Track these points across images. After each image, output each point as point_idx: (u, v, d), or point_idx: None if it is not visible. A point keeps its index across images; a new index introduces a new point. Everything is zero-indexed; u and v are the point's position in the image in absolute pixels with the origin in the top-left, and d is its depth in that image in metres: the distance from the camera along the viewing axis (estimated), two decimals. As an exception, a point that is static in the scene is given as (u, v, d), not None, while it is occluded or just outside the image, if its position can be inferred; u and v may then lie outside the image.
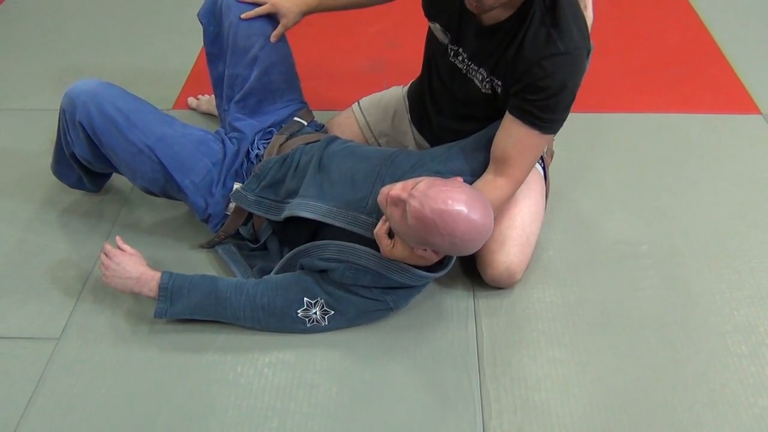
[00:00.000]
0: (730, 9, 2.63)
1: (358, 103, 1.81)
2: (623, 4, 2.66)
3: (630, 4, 2.67)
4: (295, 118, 1.67)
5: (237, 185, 1.55)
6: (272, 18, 1.61)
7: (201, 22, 1.67)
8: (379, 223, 1.34)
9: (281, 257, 1.50)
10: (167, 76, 2.26)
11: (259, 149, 1.60)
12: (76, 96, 1.45)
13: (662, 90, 2.20)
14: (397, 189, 1.26)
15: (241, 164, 1.58)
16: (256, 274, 1.52)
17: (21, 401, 1.33)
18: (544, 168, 1.63)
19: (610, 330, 1.46)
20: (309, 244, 1.44)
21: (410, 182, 1.27)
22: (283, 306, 1.40)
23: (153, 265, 1.47)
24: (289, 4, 1.58)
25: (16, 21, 2.60)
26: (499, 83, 1.39)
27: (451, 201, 1.20)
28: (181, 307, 1.42)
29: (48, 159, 1.73)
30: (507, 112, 1.37)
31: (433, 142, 1.65)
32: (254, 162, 1.58)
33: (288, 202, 1.49)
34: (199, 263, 1.61)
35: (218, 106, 1.75)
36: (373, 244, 1.36)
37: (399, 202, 1.25)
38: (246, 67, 1.61)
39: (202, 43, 1.71)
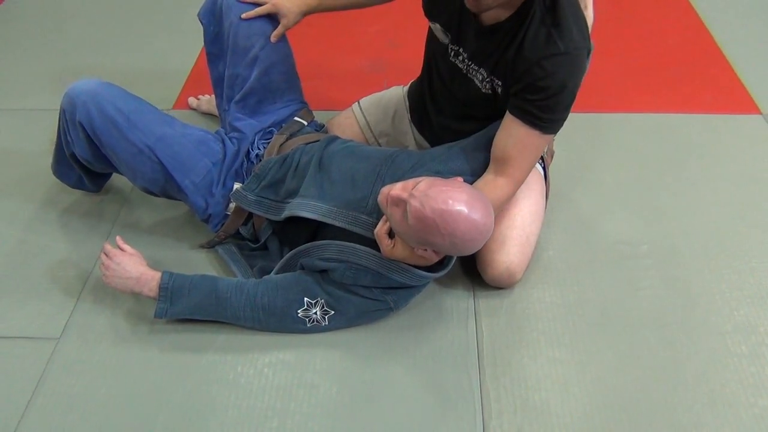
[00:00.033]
0: (730, 9, 2.63)
1: (358, 103, 1.81)
2: (623, 4, 2.66)
3: (630, 4, 2.67)
4: (296, 118, 1.67)
5: (237, 185, 1.55)
6: (272, 18, 1.61)
7: (201, 22, 1.67)
8: (380, 223, 1.34)
9: (281, 257, 1.50)
10: (167, 76, 2.26)
11: (259, 149, 1.60)
12: (76, 96, 1.45)
13: (662, 90, 2.20)
14: (397, 189, 1.26)
15: (241, 164, 1.58)
16: (257, 274, 1.52)
17: (21, 401, 1.33)
18: (544, 168, 1.63)
19: (610, 330, 1.46)
20: (309, 244, 1.44)
21: (411, 182, 1.27)
22: (283, 306, 1.40)
23: (153, 265, 1.47)
24: (290, 4, 1.58)
25: (16, 21, 2.60)
26: (500, 83, 1.39)
27: (451, 201, 1.20)
28: (181, 307, 1.42)
29: (48, 159, 1.73)
30: (507, 112, 1.37)
31: (434, 142, 1.65)
32: (254, 162, 1.58)
33: (288, 202, 1.49)
34: (199, 263, 1.61)
35: (218, 106, 1.75)
36: (373, 244, 1.36)
37: (399, 202, 1.25)
38: (246, 67, 1.61)
39: (202, 43, 1.71)
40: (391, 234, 1.34)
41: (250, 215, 1.55)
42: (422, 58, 1.64)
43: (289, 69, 1.68)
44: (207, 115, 2.09)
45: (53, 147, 1.67)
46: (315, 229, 1.46)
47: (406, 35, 2.43)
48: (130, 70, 2.29)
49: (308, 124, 1.68)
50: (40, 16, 2.63)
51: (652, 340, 1.44)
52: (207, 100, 2.09)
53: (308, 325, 1.42)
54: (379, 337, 1.45)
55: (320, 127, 1.73)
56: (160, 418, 1.30)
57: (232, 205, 1.55)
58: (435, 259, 1.35)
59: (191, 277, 1.44)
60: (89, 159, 1.54)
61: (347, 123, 1.79)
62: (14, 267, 1.61)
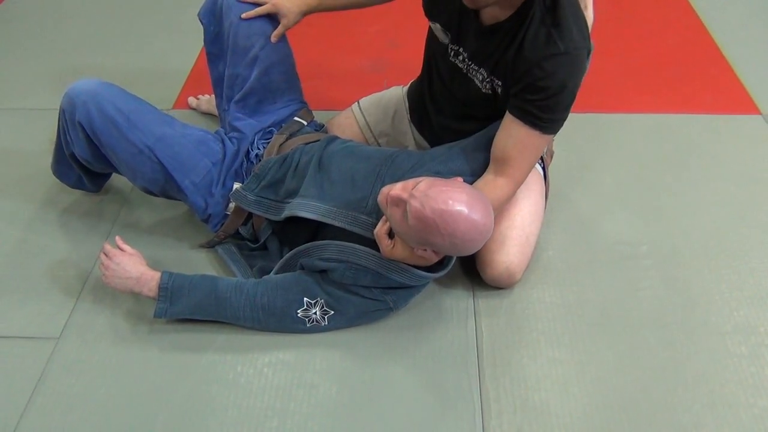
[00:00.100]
0: (730, 9, 2.63)
1: (358, 103, 1.81)
2: (623, 4, 2.66)
3: (630, 4, 2.67)
4: (295, 118, 1.67)
5: (237, 185, 1.55)
6: (272, 18, 1.61)
7: (201, 22, 1.67)
8: (380, 224, 1.34)
9: (281, 257, 1.50)
10: (167, 76, 2.26)
11: (258, 149, 1.60)
12: (76, 96, 1.45)
13: (662, 90, 2.20)
14: (397, 189, 1.26)
15: (241, 164, 1.58)
16: (256, 274, 1.52)
17: (21, 401, 1.33)
18: (544, 168, 1.63)
19: (610, 330, 1.46)
20: (309, 244, 1.44)
21: (410, 182, 1.27)
22: (283, 306, 1.40)
23: (153, 265, 1.47)
24: (290, 4, 1.58)
25: (16, 21, 2.60)
26: (500, 83, 1.39)
27: (451, 201, 1.20)
28: (181, 307, 1.42)
29: (48, 159, 1.73)
30: (507, 112, 1.37)
31: (433, 142, 1.65)
32: (254, 162, 1.58)
33: (288, 202, 1.49)
34: (199, 263, 1.61)
35: (218, 105, 1.75)
36: (373, 244, 1.36)
37: (399, 203, 1.25)
38: (246, 67, 1.61)
39: (202, 43, 1.71)
40: (390, 234, 1.34)
41: (250, 215, 1.55)
42: (422, 58, 1.64)
43: (289, 69, 1.68)
44: (207, 114, 2.09)
45: (53, 147, 1.67)
46: (315, 229, 1.46)
47: (406, 35, 2.43)
48: (130, 70, 2.29)
49: (308, 124, 1.68)
50: (40, 16, 2.63)
51: (651, 341, 1.44)
52: (207, 100, 2.09)
53: (308, 325, 1.42)
54: (379, 337, 1.45)
55: (320, 127, 1.73)
56: (160, 417, 1.30)
57: (232, 205, 1.55)
58: (435, 259, 1.35)
59: (191, 277, 1.44)
60: (89, 159, 1.54)
61: (347, 123, 1.79)
62: (14, 267, 1.61)
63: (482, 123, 1.49)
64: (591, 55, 1.36)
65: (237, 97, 1.63)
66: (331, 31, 2.46)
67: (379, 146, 1.78)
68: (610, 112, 2.11)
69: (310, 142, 1.59)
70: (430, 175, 1.35)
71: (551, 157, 1.74)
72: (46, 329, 1.47)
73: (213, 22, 1.65)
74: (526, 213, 1.52)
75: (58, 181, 1.74)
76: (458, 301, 1.52)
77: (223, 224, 1.57)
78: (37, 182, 1.83)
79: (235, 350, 1.42)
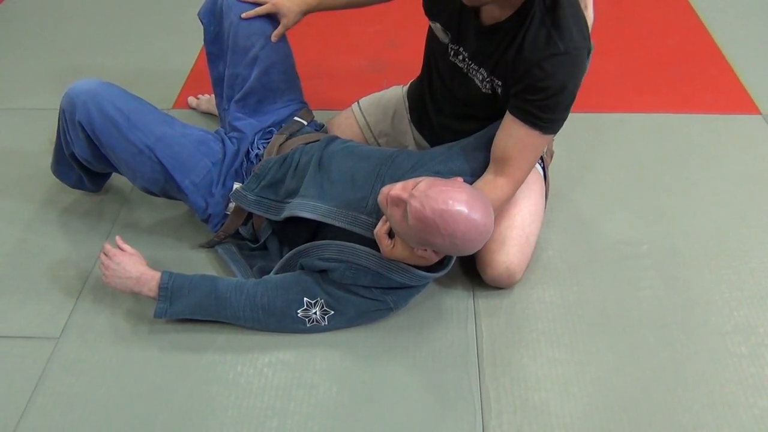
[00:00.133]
0: (730, 9, 2.63)
1: (358, 103, 1.81)
2: (623, 4, 2.66)
3: (630, 4, 2.67)
4: (295, 118, 1.67)
5: (237, 185, 1.55)
6: (273, 17, 1.61)
7: (201, 22, 1.67)
8: (380, 223, 1.34)
9: (281, 257, 1.50)
10: (167, 76, 2.26)
11: (259, 149, 1.60)
12: (76, 96, 1.45)
13: (662, 90, 2.20)
14: (397, 189, 1.26)
15: (241, 164, 1.58)
16: (256, 274, 1.52)
17: (21, 401, 1.33)
18: (544, 168, 1.63)
19: (610, 330, 1.46)
20: (309, 244, 1.44)
21: (411, 182, 1.27)
22: (283, 306, 1.40)
23: (153, 265, 1.47)
24: (290, 3, 1.58)
25: (16, 21, 2.60)
26: (500, 83, 1.39)
27: (451, 201, 1.20)
28: (181, 307, 1.42)
29: (48, 159, 1.73)
30: (507, 112, 1.37)
31: (433, 141, 1.65)
32: (254, 162, 1.58)
33: (288, 202, 1.49)
34: (199, 263, 1.61)
35: (218, 105, 1.75)
36: (373, 244, 1.36)
37: (399, 203, 1.25)
38: (246, 67, 1.61)
39: (202, 43, 1.71)
40: (390, 234, 1.34)
41: (250, 215, 1.55)
42: (422, 58, 1.64)
43: (289, 69, 1.68)
44: (207, 114, 2.09)
45: (53, 147, 1.67)
46: (315, 229, 1.46)
47: (405, 35, 2.43)
48: (130, 70, 2.29)
49: (308, 123, 1.68)
50: (40, 16, 2.63)
51: (651, 341, 1.44)
52: (207, 100, 2.09)
53: (308, 325, 1.42)
54: (379, 337, 1.45)
55: (320, 127, 1.73)
56: (160, 417, 1.30)
57: (232, 205, 1.55)
58: (435, 259, 1.35)
59: (191, 277, 1.44)
60: (89, 159, 1.54)
61: (347, 123, 1.79)
62: (14, 267, 1.61)
63: (482, 123, 1.49)
64: (591, 55, 1.36)
65: (237, 96, 1.63)
66: (330, 31, 2.46)
67: (379, 146, 1.78)
68: (610, 112, 2.11)
69: (310, 142, 1.59)
70: (430, 175, 1.35)
71: (551, 157, 1.74)
72: (46, 329, 1.47)
73: (213, 21, 1.65)
74: (526, 213, 1.52)
75: (58, 181, 1.75)
76: (458, 301, 1.52)
77: (223, 224, 1.57)
78: (37, 182, 1.83)
79: (235, 350, 1.42)
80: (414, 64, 1.68)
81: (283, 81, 1.65)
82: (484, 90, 1.44)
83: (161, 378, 1.37)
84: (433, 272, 1.40)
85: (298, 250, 1.45)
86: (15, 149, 1.97)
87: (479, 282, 1.54)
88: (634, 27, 2.53)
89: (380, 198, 1.30)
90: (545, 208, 1.63)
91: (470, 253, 1.32)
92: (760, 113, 2.09)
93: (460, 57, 1.45)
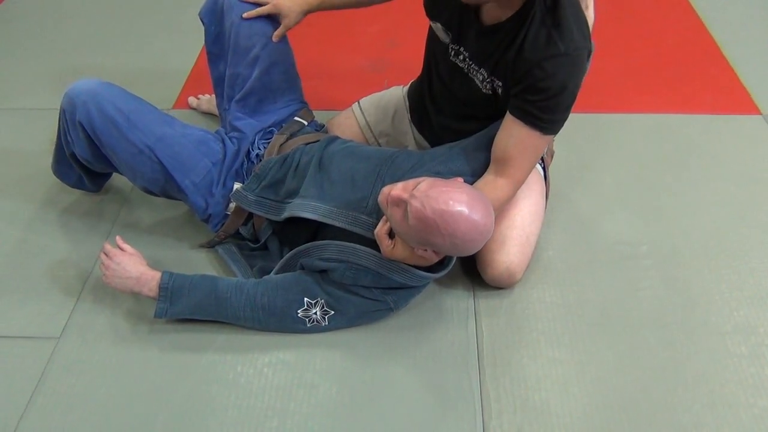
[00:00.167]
0: (730, 9, 2.63)
1: (358, 103, 1.81)
2: (623, 4, 2.66)
3: (630, 4, 2.67)
4: (296, 118, 1.67)
5: (237, 185, 1.55)
6: (274, 18, 1.61)
7: (202, 22, 1.67)
8: (380, 224, 1.34)
9: (281, 257, 1.50)
10: (167, 76, 2.26)
11: (259, 149, 1.60)
12: (76, 96, 1.45)
13: (662, 90, 2.20)
14: (398, 189, 1.26)
15: (242, 164, 1.58)
16: (256, 274, 1.52)
17: (21, 401, 1.33)
18: (544, 168, 1.63)
19: (610, 330, 1.46)
20: (309, 244, 1.44)
21: (411, 182, 1.27)
22: (283, 306, 1.40)
23: (153, 265, 1.47)
24: (291, 3, 1.58)
25: (16, 21, 2.60)
26: (500, 84, 1.39)
27: (452, 201, 1.20)
28: (181, 307, 1.42)
29: (48, 159, 1.73)
30: (508, 112, 1.37)
31: (434, 142, 1.65)
32: (254, 162, 1.58)
33: (288, 202, 1.49)
34: (199, 263, 1.61)
35: (219, 105, 1.75)
36: (373, 244, 1.36)
37: (400, 203, 1.25)
38: (247, 67, 1.61)
39: (203, 43, 1.71)
40: (391, 234, 1.34)
41: (250, 215, 1.55)
42: (422, 58, 1.64)
43: (289, 69, 1.68)
44: (207, 114, 2.09)
45: (53, 147, 1.67)
46: (315, 230, 1.46)
47: (406, 35, 2.43)
48: (130, 70, 2.29)
49: (308, 124, 1.68)
50: (40, 16, 2.63)
51: (651, 341, 1.44)
52: (207, 100, 2.09)
53: (308, 325, 1.42)
54: (379, 337, 1.45)
55: (320, 127, 1.73)
56: (160, 417, 1.30)
57: (232, 205, 1.55)
58: (435, 259, 1.35)
59: (191, 277, 1.44)
60: (89, 159, 1.54)
61: (347, 123, 1.79)
62: (14, 267, 1.61)
63: (483, 123, 1.49)
64: (591, 56, 1.36)
65: (238, 96, 1.63)
66: (331, 31, 2.46)
67: (380, 146, 1.78)
68: (610, 112, 2.11)
69: (310, 143, 1.59)
70: (431, 175, 1.35)
71: (551, 157, 1.74)
72: (46, 329, 1.47)
73: (214, 21, 1.65)
74: (526, 213, 1.52)
75: (58, 181, 1.75)
76: (458, 301, 1.52)
77: (223, 224, 1.57)
78: (37, 182, 1.83)
79: (235, 350, 1.42)
80: (415, 64, 1.68)
81: (283, 81, 1.65)
82: (484, 90, 1.44)
83: (161, 378, 1.37)
84: (434, 272, 1.40)
85: (298, 250, 1.45)
86: (15, 149, 1.97)
87: (479, 282, 1.54)
88: (634, 27, 2.53)
89: (380, 198, 1.30)
90: (545, 208, 1.63)
91: (471, 254, 1.32)
92: (760, 113, 2.09)
93: (461, 57, 1.45)
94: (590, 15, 1.48)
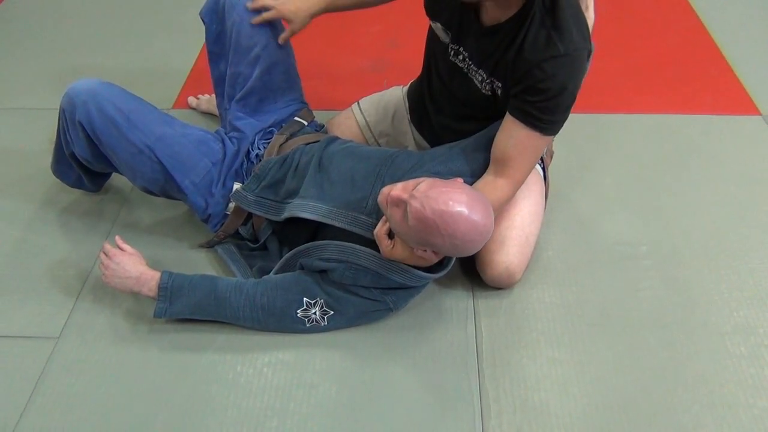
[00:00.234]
0: (730, 9, 2.63)
1: (358, 103, 1.81)
2: (623, 4, 2.66)
3: (630, 4, 2.67)
4: (296, 118, 1.67)
5: (237, 185, 1.55)
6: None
7: (203, 21, 1.67)
8: (379, 224, 1.34)
9: (281, 257, 1.50)
10: (167, 76, 2.26)
11: (259, 149, 1.60)
12: (76, 95, 1.45)
13: (662, 90, 2.20)
14: (397, 190, 1.26)
15: (241, 164, 1.58)
16: (256, 274, 1.52)
17: (20, 400, 1.33)
18: (543, 168, 1.63)
19: (610, 330, 1.46)
20: (309, 244, 1.44)
21: (411, 183, 1.27)
22: (282, 306, 1.40)
23: (153, 264, 1.47)
24: (295, 8, 1.58)
25: (16, 21, 2.60)
26: (499, 85, 1.39)
27: (452, 202, 1.20)
28: (181, 307, 1.42)
29: (48, 158, 1.73)
30: (507, 113, 1.37)
31: (433, 142, 1.65)
32: (254, 162, 1.58)
33: (288, 203, 1.49)
34: (199, 263, 1.61)
35: (219, 105, 1.75)
36: (372, 244, 1.36)
37: (400, 203, 1.25)
38: (248, 66, 1.61)
39: (203, 43, 1.71)
40: (390, 234, 1.34)
41: (250, 215, 1.55)
42: (422, 58, 1.64)
43: (290, 68, 1.68)
44: (206, 114, 2.09)
45: (53, 146, 1.67)
46: (315, 230, 1.46)
47: (407, 35, 2.43)
48: (130, 70, 2.29)
49: (308, 124, 1.68)
50: (40, 16, 2.63)
51: (651, 341, 1.44)
52: (207, 100, 2.09)
53: (307, 325, 1.42)
54: (379, 337, 1.45)
55: (320, 128, 1.73)
56: (159, 417, 1.30)
57: (232, 205, 1.55)
58: (435, 259, 1.35)
59: (191, 277, 1.44)
60: (89, 158, 1.54)
61: (347, 123, 1.79)
62: (14, 267, 1.61)
63: (482, 123, 1.48)
64: (591, 56, 1.36)
65: (238, 95, 1.64)
66: (331, 31, 2.46)
67: (379, 146, 1.78)
68: (610, 112, 2.11)
69: (310, 143, 1.59)
70: (430, 176, 1.35)
71: (551, 158, 1.74)
72: (46, 329, 1.47)
73: (215, 21, 1.65)
74: (526, 213, 1.52)
75: (58, 180, 1.75)
76: (458, 301, 1.52)
77: (223, 224, 1.57)
78: (37, 182, 1.83)
79: (235, 350, 1.42)
80: (415, 65, 1.68)
81: (284, 81, 1.65)
82: (483, 91, 1.44)
83: (161, 378, 1.37)
84: (433, 273, 1.40)
85: (298, 250, 1.45)
86: (15, 149, 1.97)
87: (479, 282, 1.54)
88: (634, 27, 2.53)
89: (380, 198, 1.30)
90: (545, 208, 1.63)
91: (470, 254, 1.32)
92: (760, 114, 2.09)
93: (461, 57, 1.45)
94: (590, 16, 1.48)
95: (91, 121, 1.44)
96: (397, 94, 1.78)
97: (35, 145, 1.96)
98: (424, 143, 1.72)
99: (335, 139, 1.60)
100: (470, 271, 1.56)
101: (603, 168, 1.90)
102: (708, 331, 1.46)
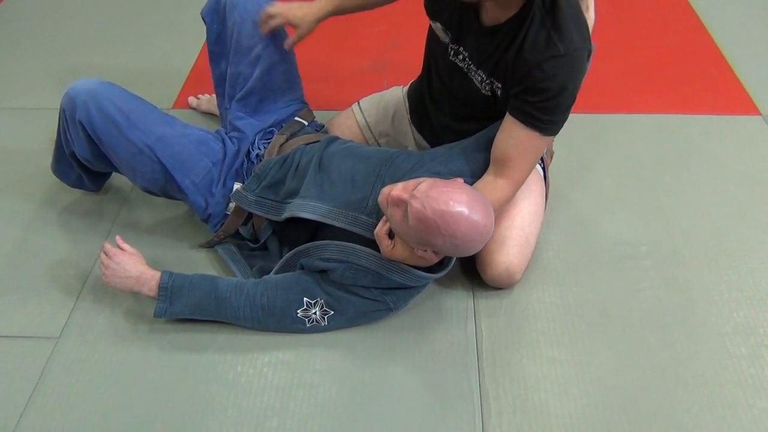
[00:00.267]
0: (730, 9, 2.63)
1: (358, 103, 1.81)
2: (623, 5, 2.66)
3: (630, 4, 2.67)
4: (296, 118, 1.67)
5: (237, 185, 1.55)
6: (277, 18, 1.61)
7: (204, 21, 1.67)
8: (380, 224, 1.34)
9: (281, 257, 1.50)
10: (167, 75, 2.26)
11: (259, 149, 1.60)
12: (76, 95, 1.45)
13: (662, 90, 2.20)
14: (398, 190, 1.26)
15: (242, 164, 1.58)
16: (256, 274, 1.52)
17: (20, 400, 1.33)
18: (543, 168, 1.63)
19: (610, 330, 1.46)
20: (309, 244, 1.44)
21: (411, 183, 1.27)
22: (282, 306, 1.40)
23: (153, 264, 1.47)
24: (302, 14, 1.58)
25: (16, 21, 2.60)
26: (499, 85, 1.39)
27: (452, 202, 1.20)
28: (181, 307, 1.42)
29: (48, 158, 1.73)
30: (507, 113, 1.37)
31: (433, 142, 1.65)
32: (254, 162, 1.58)
33: (288, 203, 1.49)
34: (199, 263, 1.61)
35: (220, 105, 1.75)
36: (373, 244, 1.36)
37: (400, 203, 1.25)
38: (249, 66, 1.61)
39: (203, 43, 1.72)
40: (391, 234, 1.34)
41: (250, 215, 1.55)
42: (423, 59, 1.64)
43: (290, 68, 1.68)
44: (207, 114, 2.09)
45: (53, 146, 1.67)
46: (315, 230, 1.46)
47: (407, 36, 2.43)
48: (130, 70, 2.29)
49: (308, 124, 1.68)
50: (40, 16, 2.63)
51: (651, 341, 1.44)
52: (207, 100, 2.09)
53: (308, 325, 1.42)
54: (379, 337, 1.45)
55: (320, 128, 1.73)
56: (159, 417, 1.30)
57: (232, 205, 1.55)
58: (435, 259, 1.35)
59: (191, 277, 1.44)
60: (89, 158, 1.54)
61: (347, 123, 1.79)
62: (14, 266, 1.61)
63: (482, 123, 1.48)
64: (591, 56, 1.36)
65: (239, 95, 1.64)
66: (332, 32, 2.44)
67: (379, 146, 1.78)
68: (610, 112, 2.11)
69: (310, 143, 1.59)
70: (430, 176, 1.35)
71: (551, 158, 1.74)
72: (46, 329, 1.47)
73: (216, 20, 1.65)
74: (526, 213, 1.52)
75: (58, 180, 1.75)
76: (458, 301, 1.52)
77: (223, 224, 1.57)
78: (37, 182, 1.83)
79: (235, 350, 1.42)
80: (415, 65, 1.68)
81: (284, 81, 1.65)
82: (483, 92, 1.44)
83: (161, 378, 1.37)
84: (433, 273, 1.40)
85: (298, 250, 1.45)
86: (15, 149, 1.97)
87: (479, 282, 1.54)
88: (634, 27, 2.53)
89: (380, 198, 1.30)
90: (545, 208, 1.63)
91: (470, 254, 1.32)
92: (760, 114, 2.09)
93: (460, 57, 1.45)
94: (591, 16, 1.48)
95: (91, 121, 1.44)
96: (397, 94, 1.78)
97: (35, 145, 1.96)
98: (424, 143, 1.72)
99: (335, 139, 1.60)
100: (470, 271, 1.56)
101: (603, 168, 1.90)
102: (708, 331, 1.46)
